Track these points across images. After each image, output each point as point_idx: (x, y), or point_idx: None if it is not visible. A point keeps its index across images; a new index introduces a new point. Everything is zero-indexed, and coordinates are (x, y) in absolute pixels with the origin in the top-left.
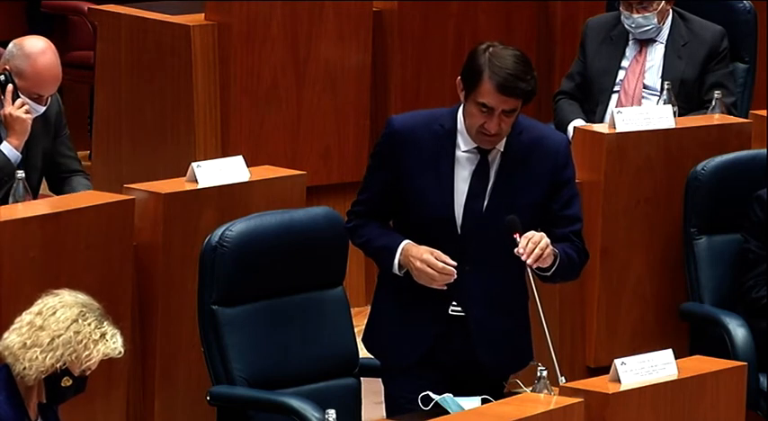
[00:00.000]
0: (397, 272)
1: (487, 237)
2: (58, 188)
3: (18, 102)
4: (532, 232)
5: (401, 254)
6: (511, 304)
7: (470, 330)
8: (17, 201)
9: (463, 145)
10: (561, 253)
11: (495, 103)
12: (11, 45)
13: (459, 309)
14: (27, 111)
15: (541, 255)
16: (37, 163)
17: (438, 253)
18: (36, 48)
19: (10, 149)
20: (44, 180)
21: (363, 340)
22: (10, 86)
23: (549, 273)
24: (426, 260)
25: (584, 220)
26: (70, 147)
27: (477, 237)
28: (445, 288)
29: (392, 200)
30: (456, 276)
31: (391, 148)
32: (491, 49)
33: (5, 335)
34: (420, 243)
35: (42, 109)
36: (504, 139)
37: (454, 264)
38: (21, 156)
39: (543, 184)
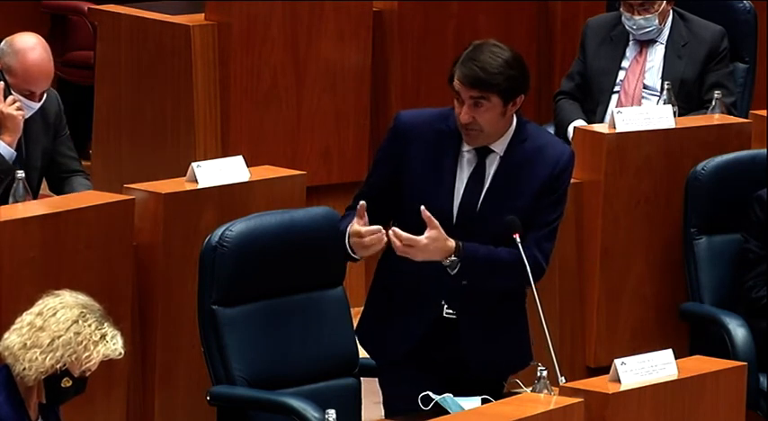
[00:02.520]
0: (353, 256)
1: (482, 238)
2: (58, 188)
3: (9, 99)
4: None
5: (348, 238)
6: (507, 305)
7: (459, 331)
8: (17, 201)
9: (465, 145)
10: (473, 257)
11: (460, 90)
12: (2, 43)
13: (452, 311)
14: (19, 108)
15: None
16: (37, 163)
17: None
18: (26, 44)
19: (4, 147)
20: (44, 180)
21: (356, 331)
22: (1, 84)
23: (453, 272)
24: (353, 232)
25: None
26: (70, 147)
27: (471, 238)
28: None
29: (391, 195)
30: (383, 235)
31: (396, 143)
32: (478, 42)
33: (6, 335)
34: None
35: (36, 106)
36: (506, 145)
37: (378, 228)
38: (15, 153)
39: (535, 190)
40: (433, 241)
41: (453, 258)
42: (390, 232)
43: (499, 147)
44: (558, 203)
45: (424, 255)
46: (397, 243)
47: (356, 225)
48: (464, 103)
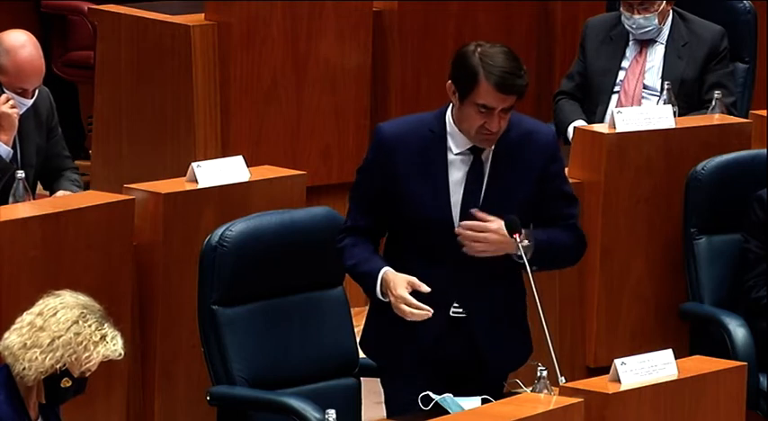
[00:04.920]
0: (381, 298)
1: None
2: (51, 187)
3: (3, 97)
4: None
5: (381, 283)
6: (511, 303)
7: (472, 330)
8: (17, 201)
9: (455, 147)
10: (544, 241)
11: (494, 103)
12: None
13: (461, 310)
14: (13, 106)
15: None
16: (31, 160)
17: (416, 284)
18: (16, 41)
19: (1, 146)
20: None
21: (361, 344)
22: None
23: (527, 258)
24: (400, 297)
25: (580, 217)
26: (64, 146)
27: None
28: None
29: (385, 210)
30: (431, 315)
31: (382, 156)
32: (479, 49)
33: (6, 335)
34: (418, 246)
35: (29, 102)
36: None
37: (428, 309)
38: (12, 151)
39: (533, 179)
40: (501, 230)
41: (527, 243)
42: (458, 229)
43: None
44: (565, 181)
45: (496, 247)
46: (469, 233)
47: (407, 293)
48: (490, 111)
